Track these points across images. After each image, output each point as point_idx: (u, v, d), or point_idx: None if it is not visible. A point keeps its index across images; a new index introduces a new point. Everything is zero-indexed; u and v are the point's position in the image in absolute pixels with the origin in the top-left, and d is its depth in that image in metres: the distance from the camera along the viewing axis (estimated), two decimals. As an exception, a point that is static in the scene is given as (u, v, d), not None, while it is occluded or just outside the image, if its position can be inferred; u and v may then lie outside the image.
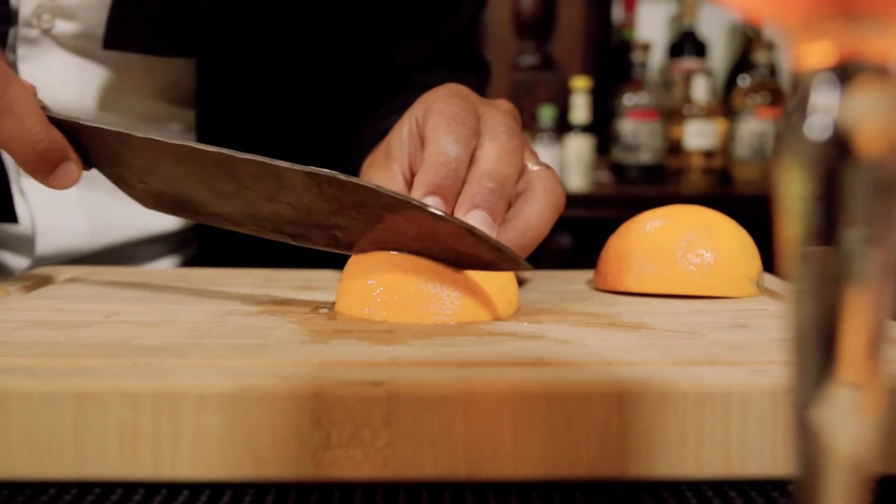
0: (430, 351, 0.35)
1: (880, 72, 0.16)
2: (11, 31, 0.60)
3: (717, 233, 0.49)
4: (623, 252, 0.49)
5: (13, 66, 0.60)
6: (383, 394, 0.30)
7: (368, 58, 0.73)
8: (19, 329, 0.38)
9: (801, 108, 0.16)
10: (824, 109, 0.16)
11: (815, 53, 0.16)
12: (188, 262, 0.74)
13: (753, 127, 1.84)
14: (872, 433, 0.19)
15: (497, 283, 0.42)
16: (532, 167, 0.49)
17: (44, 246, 0.65)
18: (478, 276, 0.41)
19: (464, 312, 0.40)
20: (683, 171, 1.88)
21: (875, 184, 0.16)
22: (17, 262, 0.66)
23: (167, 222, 0.70)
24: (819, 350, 0.18)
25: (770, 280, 0.52)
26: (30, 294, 0.48)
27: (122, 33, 0.59)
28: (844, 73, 0.16)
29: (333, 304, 0.44)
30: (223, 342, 0.36)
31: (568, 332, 0.39)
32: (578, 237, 1.64)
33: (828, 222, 0.17)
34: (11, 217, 0.61)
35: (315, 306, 0.44)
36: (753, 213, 0.78)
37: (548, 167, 0.50)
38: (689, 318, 0.42)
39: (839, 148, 0.16)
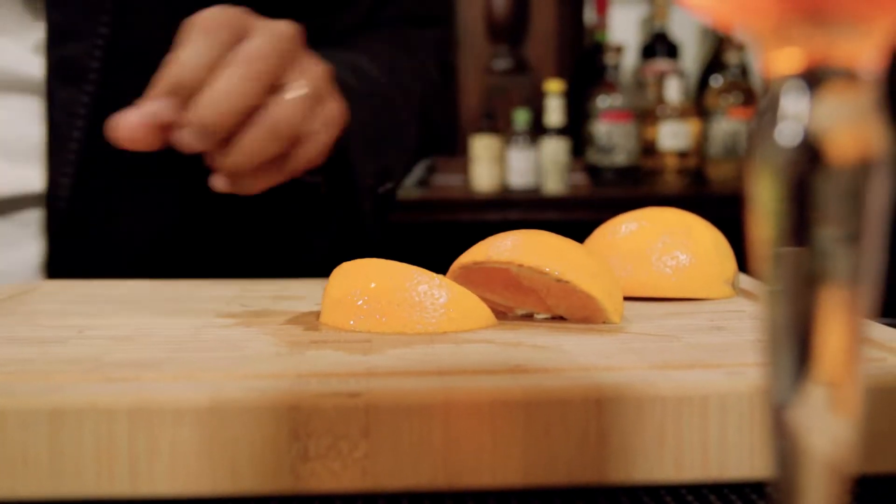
0: (408, 360, 0.35)
1: (849, 76, 0.16)
2: None
3: (692, 235, 0.49)
4: (598, 255, 0.49)
5: None
6: (361, 405, 0.30)
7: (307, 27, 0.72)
8: (-8, 346, 0.38)
9: (772, 114, 0.16)
10: (794, 115, 0.16)
11: (785, 59, 0.16)
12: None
13: (726, 127, 1.86)
14: (850, 433, 0.19)
15: (605, 289, 0.42)
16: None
17: None
18: (587, 284, 0.41)
19: (448, 321, 0.40)
20: (658, 171, 1.89)
21: (846, 188, 0.16)
22: None
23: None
24: (795, 350, 0.18)
25: (745, 280, 0.52)
26: (2, 308, 0.47)
27: None
28: (814, 78, 0.16)
29: (316, 314, 0.44)
30: (199, 356, 0.36)
31: (545, 338, 0.39)
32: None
33: (800, 225, 0.17)
34: None
35: (297, 319, 0.44)
36: (728, 212, 0.79)
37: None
38: (666, 320, 0.43)
39: (809, 153, 0.16)
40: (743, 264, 0.48)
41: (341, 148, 0.60)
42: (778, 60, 0.16)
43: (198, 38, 0.48)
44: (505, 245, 0.41)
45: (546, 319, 0.43)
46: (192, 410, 0.30)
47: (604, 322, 0.42)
